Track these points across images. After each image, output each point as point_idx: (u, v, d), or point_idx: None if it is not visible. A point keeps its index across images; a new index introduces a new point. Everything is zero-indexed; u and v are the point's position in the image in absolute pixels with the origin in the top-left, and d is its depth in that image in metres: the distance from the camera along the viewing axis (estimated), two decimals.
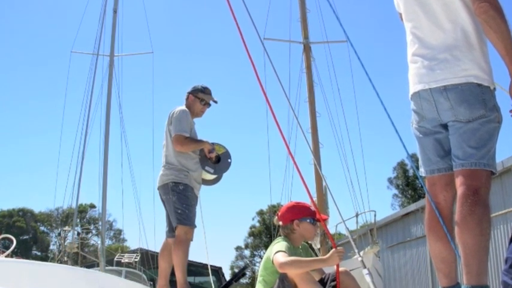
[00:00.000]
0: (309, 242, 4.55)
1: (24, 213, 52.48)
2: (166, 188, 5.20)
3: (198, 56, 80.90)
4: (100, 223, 20.60)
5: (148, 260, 19.92)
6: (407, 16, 3.09)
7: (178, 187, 5.16)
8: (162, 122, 5.67)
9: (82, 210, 46.00)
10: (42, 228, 53.96)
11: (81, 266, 16.35)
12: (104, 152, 18.06)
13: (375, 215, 12.62)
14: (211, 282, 12.04)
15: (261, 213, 53.60)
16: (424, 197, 3.45)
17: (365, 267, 3.28)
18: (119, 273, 16.33)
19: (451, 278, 2.90)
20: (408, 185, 43.08)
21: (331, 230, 14.12)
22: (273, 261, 3.56)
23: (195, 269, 26.05)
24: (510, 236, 3.05)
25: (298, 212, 3.88)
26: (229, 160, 5.60)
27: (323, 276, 3.72)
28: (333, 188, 4.97)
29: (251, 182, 74.64)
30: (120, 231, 52.61)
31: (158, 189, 5.35)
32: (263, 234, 51.62)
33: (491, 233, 2.67)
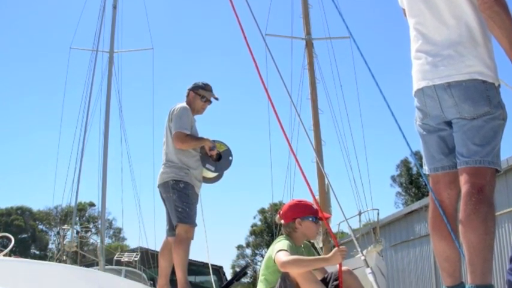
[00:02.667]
0: (311, 240, 4.52)
1: (22, 211, 52.52)
2: (167, 186, 5.18)
3: (198, 52, 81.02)
4: (99, 221, 20.56)
5: (148, 259, 19.89)
6: (410, 12, 3.07)
7: (178, 185, 5.13)
8: (162, 119, 5.65)
9: (81, 208, 45.99)
10: (40, 226, 53.99)
11: (80, 265, 16.34)
12: (103, 149, 18.05)
13: (378, 214, 12.63)
14: (212, 281, 12.00)
15: (262, 211, 53.67)
16: (427, 195, 3.43)
17: (368, 266, 3.26)
18: (118, 273, 16.29)
19: (455, 277, 2.88)
20: (412, 183, 43.06)
21: (334, 229, 14.10)
22: (274, 260, 3.54)
23: (196, 268, 26.03)
24: None
25: (300, 210, 3.85)
26: (230, 158, 5.58)
27: (325, 276, 3.69)
28: (336, 186, 4.96)
29: (252, 180, 74.66)
30: (119, 230, 52.84)
31: (158, 187, 5.33)
32: (265, 232, 51.67)
33: (495, 231, 2.65)
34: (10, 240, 5.34)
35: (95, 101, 18.08)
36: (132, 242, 49.13)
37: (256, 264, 51.12)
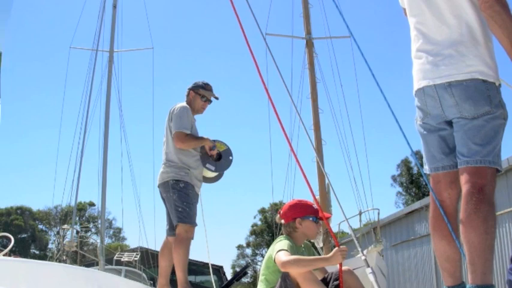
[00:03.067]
0: (312, 240, 4.51)
1: (22, 211, 52.49)
2: (167, 185, 5.17)
3: (199, 52, 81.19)
4: (99, 221, 20.55)
5: (148, 258, 19.91)
6: (411, 11, 3.06)
7: (178, 185, 5.12)
8: (162, 119, 5.65)
9: (81, 208, 46.07)
10: (40, 226, 53.99)
11: (80, 265, 16.35)
12: (103, 149, 18.04)
13: (378, 213, 12.60)
14: (212, 281, 11.96)
15: (262, 211, 53.72)
16: (428, 195, 3.42)
17: (368, 266, 3.25)
18: (118, 272, 16.28)
19: (455, 277, 2.87)
20: (412, 182, 43.00)
21: (334, 229, 14.10)
22: (275, 260, 3.53)
23: (196, 267, 26.07)
24: None
25: (300, 210, 3.84)
26: (230, 157, 5.57)
27: (326, 275, 3.68)
28: (336, 186, 4.94)
29: (253, 179, 74.85)
30: (119, 230, 52.92)
31: (158, 187, 5.32)
32: (265, 232, 51.72)
33: (496, 231, 2.65)
34: (10, 240, 5.32)
35: (95, 100, 18.07)
36: (132, 241, 49.32)
37: (256, 264, 51.20)
